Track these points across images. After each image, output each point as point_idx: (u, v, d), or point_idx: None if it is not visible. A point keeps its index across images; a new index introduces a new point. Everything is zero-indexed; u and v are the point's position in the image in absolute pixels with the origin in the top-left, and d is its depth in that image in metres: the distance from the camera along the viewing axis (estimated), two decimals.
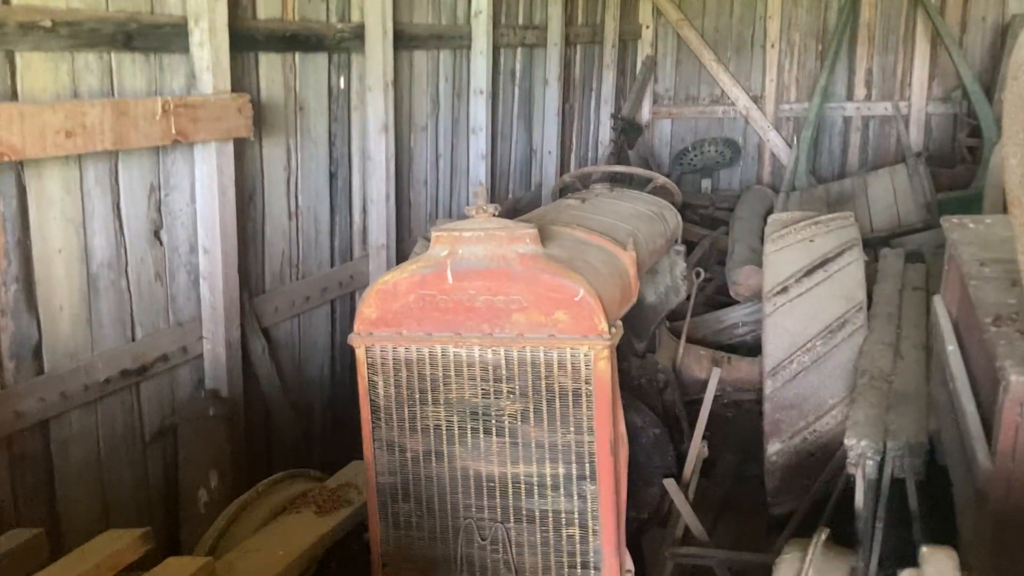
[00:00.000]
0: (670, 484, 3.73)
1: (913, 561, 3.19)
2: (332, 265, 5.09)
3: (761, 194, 8.48)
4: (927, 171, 6.96)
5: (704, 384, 4.69)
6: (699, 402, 4.64)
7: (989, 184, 4.71)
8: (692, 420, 4.54)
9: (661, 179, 4.56)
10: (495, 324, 2.69)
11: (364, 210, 5.32)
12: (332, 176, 5.03)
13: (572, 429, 2.67)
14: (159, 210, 3.89)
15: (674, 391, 4.35)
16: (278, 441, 4.69)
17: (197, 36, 3.86)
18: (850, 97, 9.33)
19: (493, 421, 2.73)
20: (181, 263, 4.03)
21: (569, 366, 2.64)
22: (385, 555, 2.88)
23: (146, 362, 3.85)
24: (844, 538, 3.88)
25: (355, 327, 2.82)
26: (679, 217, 4.40)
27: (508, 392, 2.69)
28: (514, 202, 7.37)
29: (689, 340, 4.95)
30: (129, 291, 3.78)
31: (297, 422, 4.78)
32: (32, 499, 3.43)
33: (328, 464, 5.11)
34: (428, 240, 5.02)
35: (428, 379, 2.76)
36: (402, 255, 5.57)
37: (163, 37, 3.78)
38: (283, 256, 4.70)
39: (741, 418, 5.13)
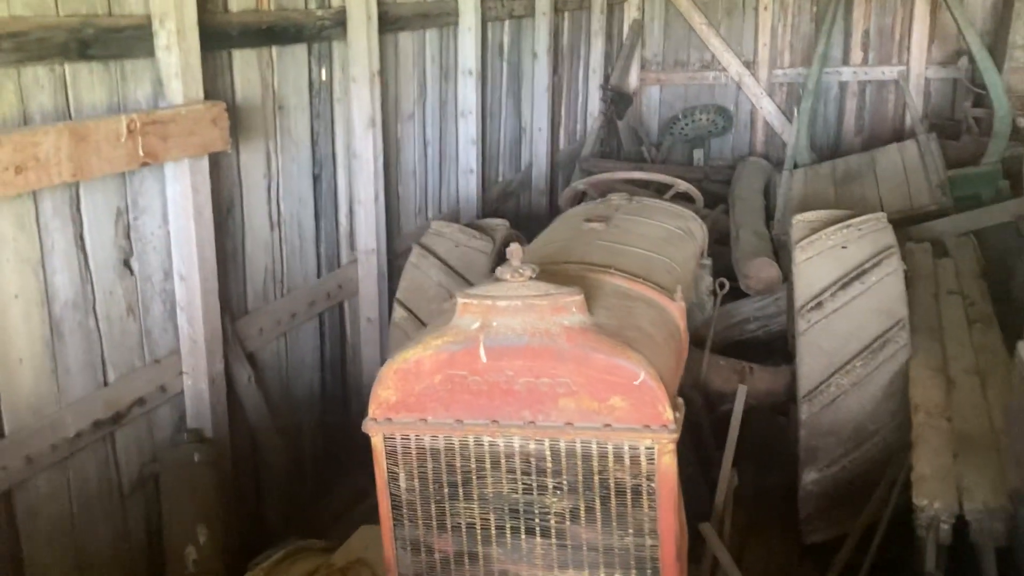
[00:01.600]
0: (707, 530, 3.41)
1: None
2: (319, 275, 4.67)
3: (757, 167, 8.12)
4: (939, 148, 6.62)
5: (725, 396, 4.38)
6: (720, 416, 4.34)
7: None
8: (716, 436, 4.24)
9: (683, 185, 4.17)
10: (538, 410, 2.30)
11: (351, 212, 4.89)
12: (316, 178, 4.59)
13: (631, 531, 2.31)
14: (128, 236, 3.45)
15: (700, 413, 4.02)
16: (267, 474, 4.32)
17: (163, 38, 3.39)
18: (846, 61, 8.96)
19: (537, 520, 2.36)
20: (155, 293, 3.61)
21: (627, 460, 2.27)
22: None
23: (120, 408, 3.44)
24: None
25: (370, 411, 2.42)
26: (705, 228, 4.02)
27: (555, 488, 2.32)
28: (504, 185, 6.95)
29: (701, 340, 4.61)
30: (98, 330, 3.36)
31: (286, 451, 4.41)
32: None
33: (321, 489, 4.78)
34: (424, 248, 4.68)
35: (459, 472, 2.38)
36: (392, 256, 5.17)
37: (123, 42, 3.30)
38: (266, 271, 4.27)
39: (757, 424, 4.83)
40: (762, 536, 4.27)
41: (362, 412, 5.09)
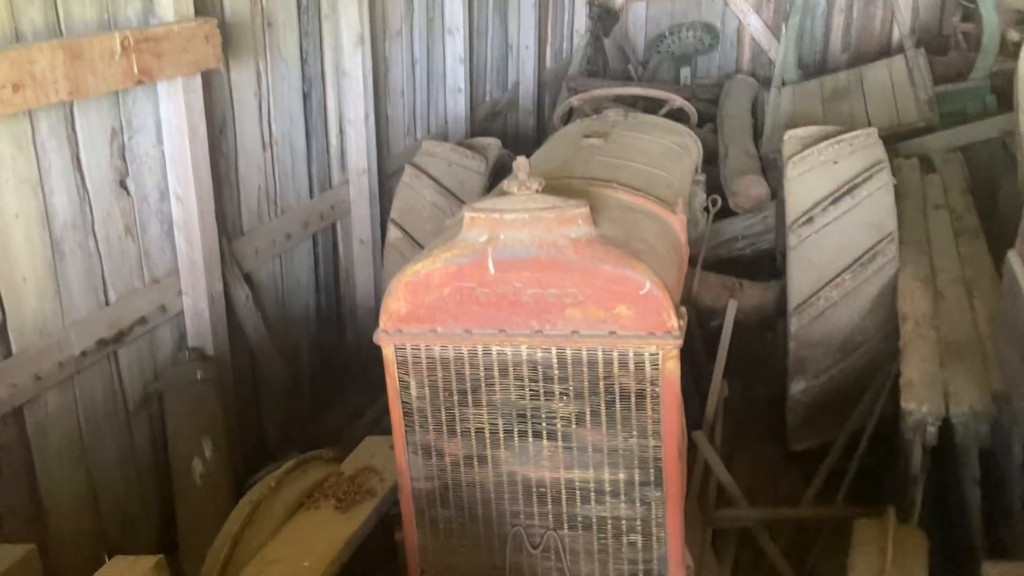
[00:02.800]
0: (699, 438, 3.53)
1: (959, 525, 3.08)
2: (311, 196, 4.68)
3: (745, 85, 8.08)
4: (927, 64, 6.61)
5: (715, 311, 4.46)
6: (711, 331, 4.42)
7: None
8: (707, 349, 4.33)
9: (678, 101, 4.16)
10: (545, 320, 2.36)
11: (341, 131, 4.87)
12: (306, 97, 4.56)
13: (635, 433, 2.40)
14: (123, 156, 3.45)
15: (692, 328, 4.09)
16: (267, 392, 4.40)
17: None
18: None
19: (544, 424, 2.45)
20: (152, 213, 3.61)
21: (632, 366, 2.34)
22: (424, 563, 2.64)
23: (123, 327, 3.48)
24: (876, 479, 3.78)
25: (381, 323, 2.47)
26: (699, 144, 4.04)
27: (561, 393, 2.40)
28: (492, 105, 6.91)
29: (693, 256, 4.66)
30: (98, 251, 3.37)
31: (285, 368, 4.48)
32: (11, 489, 3.12)
33: (318, 407, 4.87)
34: (417, 168, 4.68)
35: (468, 380, 2.45)
36: (383, 176, 5.17)
37: None
38: (260, 192, 4.27)
39: (746, 338, 4.93)
40: (750, 444, 4.42)
41: (356, 333, 5.20)
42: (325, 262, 4.91)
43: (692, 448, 3.60)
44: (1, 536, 3.02)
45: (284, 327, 4.55)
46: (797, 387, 4.01)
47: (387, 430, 2.89)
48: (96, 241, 3.36)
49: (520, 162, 2.34)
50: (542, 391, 2.42)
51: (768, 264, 5.50)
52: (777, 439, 4.33)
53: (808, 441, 4.12)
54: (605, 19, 8.45)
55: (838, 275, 3.88)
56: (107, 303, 3.42)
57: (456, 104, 6.16)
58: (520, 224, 2.29)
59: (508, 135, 7.20)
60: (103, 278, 3.40)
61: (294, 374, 4.63)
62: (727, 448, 4.26)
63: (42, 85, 2.82)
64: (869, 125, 6.36)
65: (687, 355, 4.10)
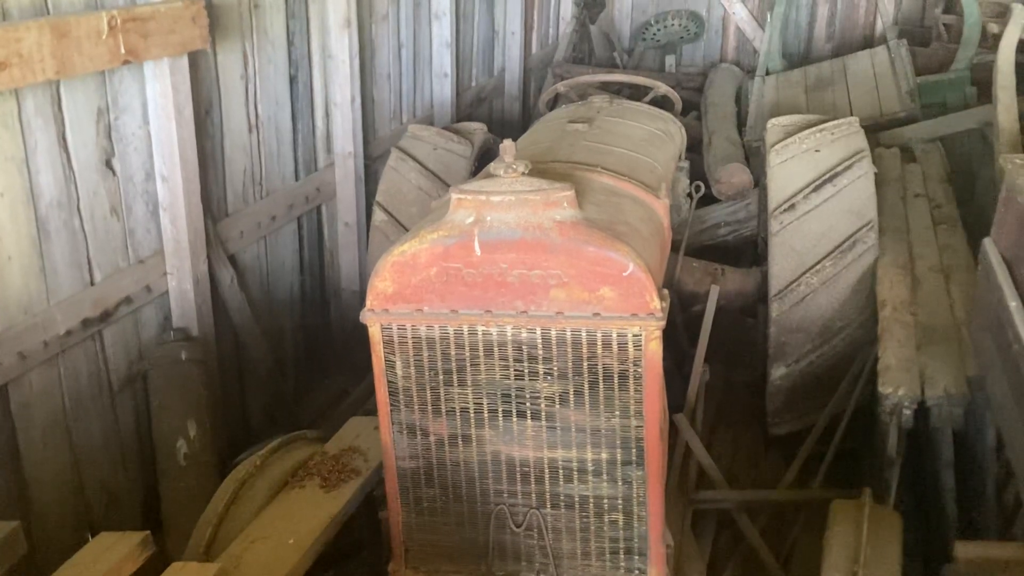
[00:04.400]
0: (681, 421, 3.58)
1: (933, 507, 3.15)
2: (296, 178, 4.68)
3: (730, 74, 8.12)
4: (909, 56, 6.67)
5: (697, 296, 4.51)
6: (693, 315, 4.47)
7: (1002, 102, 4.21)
8: (688, 334, 4.39)
9: (663, 88, 4.19)
10: (530, 301, 2.40)
11: (327, 114, 4.87)
12: (292, 80, 4.56)
13: (617, 413, 2.44)
14: (109, 136, 3.44)
15: (674, 312, 4.14)
16: (251, 373, 4.41)
17: None
18: None
19: (528, 404, 2.48)
20: (137, 193, 3.61)
21: (615, 347, 2.38)
22: (408, 541, 2.68)
23: (108, 307, 3.49)
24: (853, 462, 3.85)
25: (368, 303, 2.49)
26: (683, 131, 4.07)
27: (545, 373, 2.43)
28: (478, 90, 6.92)
29: (676, 242, 4.71)
30: (83, 230, 3.38)
31: (269, 351, 4.49)
32: None
33: (302, 388, 4.89)
34: (403, 151, 4.70)
35: (453, 359, 2.48)
36: (368, 160, 5.18)
37: None
38: (245, 174, 4.27)
39: (727, 324, 4.99)
40: (731, 427, 4.49)
41: (340, 315, 5.22)
42: (310, 244, 4.92)
43: (673, 430, 3.65)
44: None
45: (268, 308, 4.56)
46: (777, 372, 4.07)
47: (370, 411, 2.92)
48: (81, 220, 3.36)
49: (506, 145, 2.37)
50: (526, 371, 2.45)
51: (750, 250, 5.56)
52: (757, 423, 4.40)
53: (787, 425, 4.18)
54: (591, 6, 8.47)
55: (819, 262, 3.94)
56: (92, 283, 3.43)
57: (442, 89, 6.17)
58: (506, 206, 2.32)
59: (494, 120, 7.21)
60: (88, 257, 3.41)
61: (278, 355, 4.65)
62: (708, 431, 4.32)
63: (29, 64, 2.82)
64: (851, 115, 6.42)
65: (669, 339, 4.15)
